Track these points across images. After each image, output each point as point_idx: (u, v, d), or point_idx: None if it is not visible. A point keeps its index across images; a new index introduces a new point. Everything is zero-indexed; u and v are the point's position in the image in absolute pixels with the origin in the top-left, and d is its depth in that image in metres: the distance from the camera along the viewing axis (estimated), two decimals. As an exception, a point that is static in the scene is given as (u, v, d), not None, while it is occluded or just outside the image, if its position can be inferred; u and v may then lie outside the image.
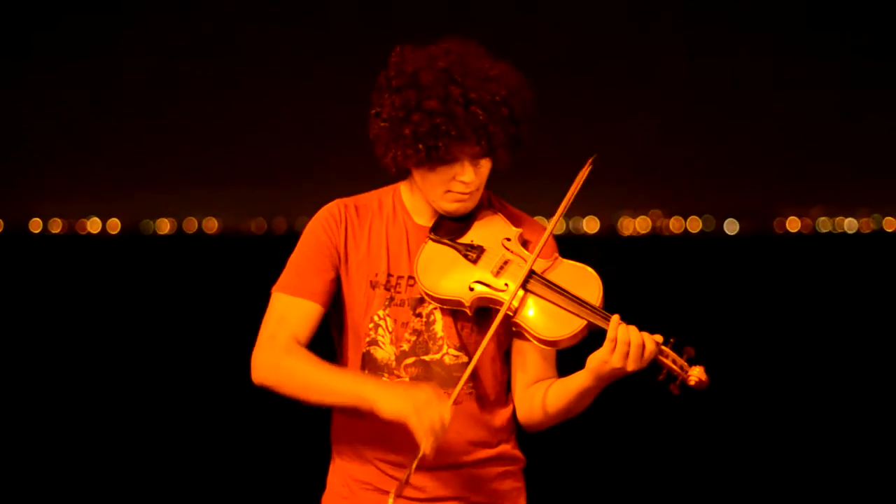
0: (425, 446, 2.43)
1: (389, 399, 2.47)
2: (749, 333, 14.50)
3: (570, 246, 2.70)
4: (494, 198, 2.74)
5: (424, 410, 2.43)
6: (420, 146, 2.54)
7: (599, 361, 2.50)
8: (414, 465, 2.48)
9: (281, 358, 2.57)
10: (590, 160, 2.61)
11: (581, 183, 2.60)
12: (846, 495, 6.64)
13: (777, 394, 9.90)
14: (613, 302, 2.58)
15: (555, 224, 2.60)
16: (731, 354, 11.68)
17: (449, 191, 2.60)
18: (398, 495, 2.56)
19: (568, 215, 2.63)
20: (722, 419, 8.43)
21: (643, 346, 2.48)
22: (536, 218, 2.75)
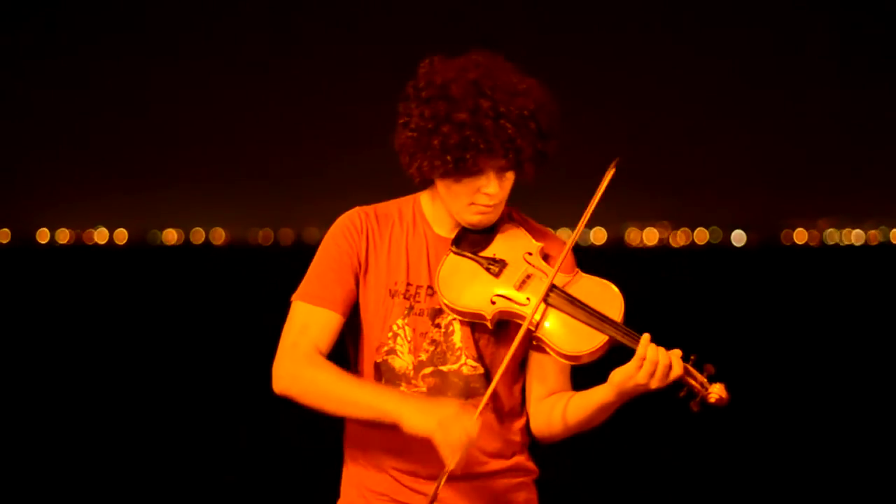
0: (451, 462, 2.44)
1: (414, 414, 2.46)
2: (756, 345, 14.48)
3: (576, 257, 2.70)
4: (516, 212, 2.73)
5: (449, 426, 2.43)
6: (448, 157, 2.54)
7: (624, 377, 2.50)
8: (442, 482, 2.47)
9: (303, 368, 2.56)
10: (613, 163, 2.62)
11: (602, 192, 2.59)
12: (850, 499, 6.64)
13: (785, 405, 9.89)
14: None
15: (575, 239, 2.61)
16: (737, 367, 11.66)
17: (473, 203, 2.60)
18: None
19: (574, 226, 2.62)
20: (731, 431, 8.42)
21: (670, 367, 2.49)
22: (550, 229, 2.75)
